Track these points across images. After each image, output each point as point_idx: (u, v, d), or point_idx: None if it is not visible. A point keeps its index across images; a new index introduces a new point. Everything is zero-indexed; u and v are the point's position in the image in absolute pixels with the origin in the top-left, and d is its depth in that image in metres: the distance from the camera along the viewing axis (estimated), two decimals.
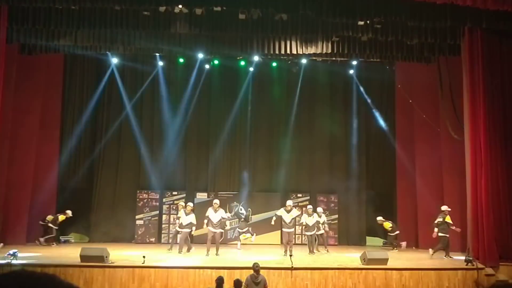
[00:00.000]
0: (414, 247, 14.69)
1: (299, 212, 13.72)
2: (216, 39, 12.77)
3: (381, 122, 15.86)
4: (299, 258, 11.25)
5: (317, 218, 12.98)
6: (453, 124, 13.07)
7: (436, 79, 13.69)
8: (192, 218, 12.53)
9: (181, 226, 12.63)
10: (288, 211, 12.59)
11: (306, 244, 13.16)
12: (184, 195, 15.35)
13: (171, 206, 15.33)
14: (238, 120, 16.07)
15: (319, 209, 13.68)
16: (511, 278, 10.34)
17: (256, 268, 8.54)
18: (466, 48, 11.78)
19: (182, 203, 13.96)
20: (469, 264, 10.48)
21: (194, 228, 12.63)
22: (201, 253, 11.92)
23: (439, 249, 12.10)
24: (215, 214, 12.33)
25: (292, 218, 12.57)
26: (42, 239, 13.48)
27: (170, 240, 13.68)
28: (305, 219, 12.96)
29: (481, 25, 11.28)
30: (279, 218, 12.85)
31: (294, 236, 13.46)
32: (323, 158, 16.06)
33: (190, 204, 13.14)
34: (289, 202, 12.93)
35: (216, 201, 12.80)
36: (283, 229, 12.65)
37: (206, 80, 16.01)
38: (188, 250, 12.36)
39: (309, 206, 13.40)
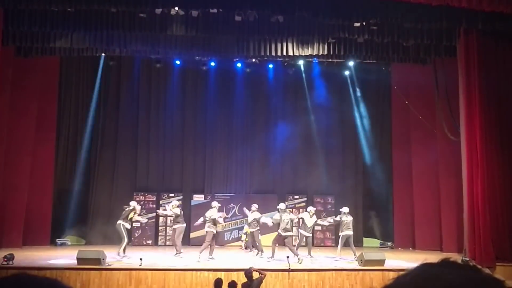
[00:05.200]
0: (411, 248, 14.71)
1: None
2: (212, 41, 12.77)
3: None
4: (296, 260, 11.24)
5: (315, 219, 12.60)
6: (449, 125, 13.11)
7: (432, 80, 13.73)
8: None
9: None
10: (311, 216, 12.40)
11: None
12: (181, 197, 15.30)
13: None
14: (234, 121, 16.08)
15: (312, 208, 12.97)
16: (508, 279, 10.37)
17: (248, 274, 8.23)
18: (462, 49, 11.81)
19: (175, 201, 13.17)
20: None
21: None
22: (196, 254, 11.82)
23: None
24: None
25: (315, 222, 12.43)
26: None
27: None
28: (306, 218, 12.46)
29: (476, 26, 11.32)
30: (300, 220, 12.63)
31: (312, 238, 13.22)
32: (320, 160, 16.06)
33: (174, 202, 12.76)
34: (310, 208, 12.71)
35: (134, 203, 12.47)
36: (301, 232, 12.47)
37: (203, 81, 16.02)
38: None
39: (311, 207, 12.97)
